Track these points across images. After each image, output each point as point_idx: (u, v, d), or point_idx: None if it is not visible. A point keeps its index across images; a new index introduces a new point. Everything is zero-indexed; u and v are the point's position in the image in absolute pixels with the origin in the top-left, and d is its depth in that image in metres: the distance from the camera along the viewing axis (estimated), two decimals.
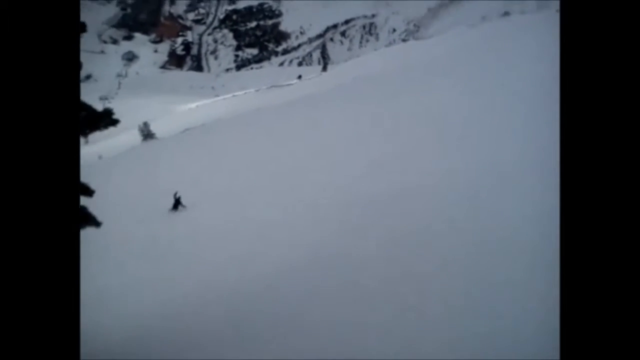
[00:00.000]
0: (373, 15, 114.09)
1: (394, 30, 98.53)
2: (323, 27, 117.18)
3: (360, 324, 4.91)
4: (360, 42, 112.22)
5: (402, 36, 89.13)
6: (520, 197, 6.05)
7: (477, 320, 3.91)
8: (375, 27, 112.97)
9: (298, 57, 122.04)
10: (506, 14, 67.51)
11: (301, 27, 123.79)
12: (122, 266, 9.25)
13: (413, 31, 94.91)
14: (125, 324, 6.91)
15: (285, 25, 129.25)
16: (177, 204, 13.75)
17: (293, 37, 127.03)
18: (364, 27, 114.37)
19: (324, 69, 56.46)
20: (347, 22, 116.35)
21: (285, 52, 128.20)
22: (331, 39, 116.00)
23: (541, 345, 3.03)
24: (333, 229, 8.04)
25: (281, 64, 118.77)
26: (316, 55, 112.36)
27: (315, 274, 6.36)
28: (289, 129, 19.35)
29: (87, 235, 4.57)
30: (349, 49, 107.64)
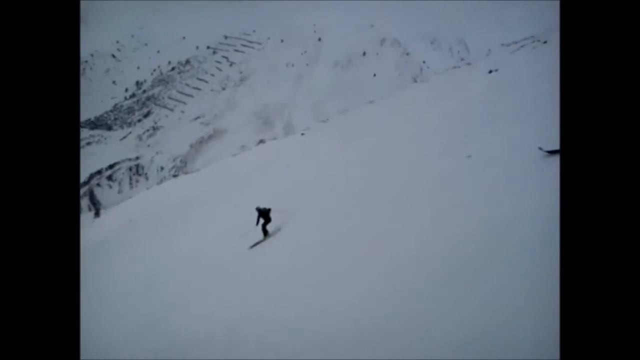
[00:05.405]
0: (137, 157, 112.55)
1: (162, 168, 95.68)
2: (86, 175, 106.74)
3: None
4: (130, 184, 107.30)
5: (172, 172, 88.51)
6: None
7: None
8: (142, 167, 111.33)
9: None
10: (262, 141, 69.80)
11: None
12: None
13: (181, 167, 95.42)
14: None
15: None
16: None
17: None
18: (130, 169, 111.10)
19: (97, 214, 53.10)
20: (111, 166, 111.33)
21: None
22: (98, 185, 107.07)
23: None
24: None
25: None
26: (85, 202, 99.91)
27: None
28: None
29: None
30: (120, 192, 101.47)
